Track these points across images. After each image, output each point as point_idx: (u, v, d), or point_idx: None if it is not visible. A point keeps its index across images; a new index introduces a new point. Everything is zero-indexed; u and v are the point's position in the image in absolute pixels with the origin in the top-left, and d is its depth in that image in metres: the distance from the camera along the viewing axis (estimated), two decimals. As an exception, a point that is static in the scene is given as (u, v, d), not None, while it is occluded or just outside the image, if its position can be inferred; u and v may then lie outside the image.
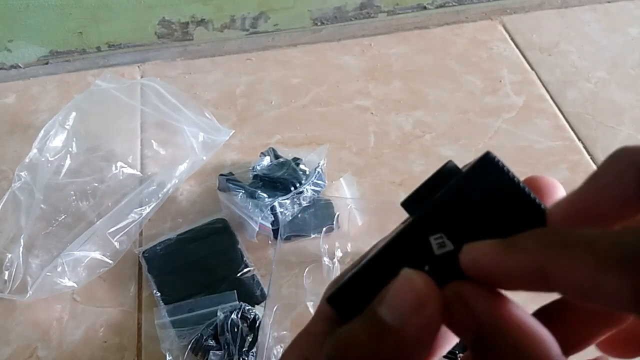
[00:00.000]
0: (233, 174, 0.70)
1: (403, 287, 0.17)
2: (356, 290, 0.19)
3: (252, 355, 0.56)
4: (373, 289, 0.18)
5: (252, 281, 0.64)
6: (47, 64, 0.93)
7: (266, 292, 0.62)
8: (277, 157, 0.72)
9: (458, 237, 0.18)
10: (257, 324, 0.58)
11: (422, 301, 0.17)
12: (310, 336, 0.21)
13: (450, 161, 0.20)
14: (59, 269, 0.63)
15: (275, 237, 0.66)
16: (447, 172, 0.19)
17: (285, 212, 0.66)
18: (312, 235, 0.66)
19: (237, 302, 0.60)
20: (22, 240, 0.65)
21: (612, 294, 0.14)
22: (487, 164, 0.18)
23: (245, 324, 0.58)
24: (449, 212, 0.18)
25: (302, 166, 0.69)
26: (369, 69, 0.90)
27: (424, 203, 0.19)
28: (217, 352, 0.56)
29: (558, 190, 0.20)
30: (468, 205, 0.18)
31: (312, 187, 0.68)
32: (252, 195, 0.66)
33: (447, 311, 0.17)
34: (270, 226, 0.66)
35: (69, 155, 0.73)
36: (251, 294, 0.63)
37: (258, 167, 0.69)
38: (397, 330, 0.17)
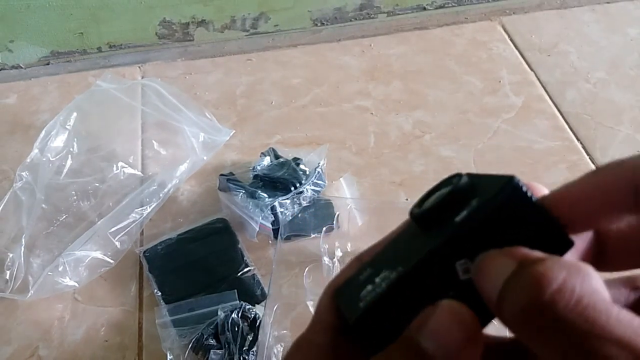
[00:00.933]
0: (233, 174, 0.71)
1: (448, 319, 0.17)
2: (380, 316, 0.19)
3: (253, 355, 0.56)
4: (399, 314, 0.18)
5: (253, 281, 0.64)
6: (48, 64, 0.93)
7: (266, 292, 0.62)
8: (277, 157, 0.72)
9: None
10: (258, 323, 0.58)
11: (470, 335, 0.17)
12: (316, 348, 0.20)
13: (462, 177, 0.20)
14: (60, 269, 0.63)
15: (276, 237, 0.66)
16: (463, 190, 0.19)
17: (286, 212, 0.66)
18: (312, 235, 0.67)
19: (238, 302, 0.60)
20: (23, 240, 0.66)
21: None
22: (513, 190, 0.18)
23: (245, 323, 0.58)
24: (474, 238, 0.18)
25: (302, 166, 0.69)
26: (369, 69, 0.90)
27: (443, 224, 0.19)
28: (218, 351, 0.56)
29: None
30: (493, 231, 0.18)
31: (312, 187, 0.68)
32: (252, 195, 0.66)
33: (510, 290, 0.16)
34: (270, 226, 0.66)
35: (70, 156, 0.74)
36: (251, 294, 0.63)
37: (258, 167, 0.70)
38: None
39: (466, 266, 0.18)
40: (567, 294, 0.14)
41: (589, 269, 0.15)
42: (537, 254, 0.17)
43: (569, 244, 0.18)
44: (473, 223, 0.18)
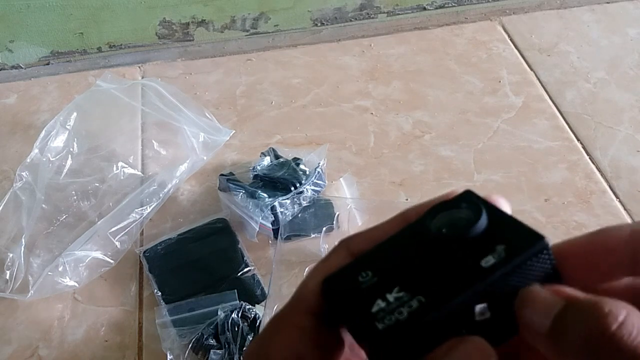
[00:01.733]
0: (233, 174, 0.71)
1: (476, 353, 0.18)
2: (396, 342, 0.19)
3: (253, 354, 0.56)
4: (415, 343, 0.19)
5: (253, 281, 0.64)
6: (48, 64, 0.93)
7: (266, 292, 0.62)
8: (277, 157, 0.72)
9: (498, 307, 0.19)
10: (258, 323, 0.58)
11: None
12: (299, 331, 0.20)
13: (481, 211, 0.20)
14: (60, 269, 0.63)
15: (276, 236, 0.66)
16: (484, 229, 0.20)
17: (286, 212, 0.66)
18: (312, 235, 0.67)
19: (238, 302, 0.60)
20: (23, 240, 0.66)
21: None
22: (541, 251, 0.19)
23: (245, 323, 0.58)
24: (499, 286, 0.19)
25: (302, 166, 0.69)
26: (369, 69, 0.90)
27: (462, 257, 0.20)
28: (218, 351, 0.56)
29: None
30: (514, 280, 0.19)
31: (312, 187, 0.68)
32: (252, 195, 0.66)
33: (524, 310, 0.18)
34: (270, 226, 0.66)
35: (70, 155, 0.74)
36: (251, 294, 0.63)
37: (258, 167, 0.70)
38: None
39: (483, 310, 0.19)
40: (629, 327, 0.17)
41: (634, 308, 0.17)
42: (579, 293, 0.18)
43: None
44: (502, 274, 0.19)
